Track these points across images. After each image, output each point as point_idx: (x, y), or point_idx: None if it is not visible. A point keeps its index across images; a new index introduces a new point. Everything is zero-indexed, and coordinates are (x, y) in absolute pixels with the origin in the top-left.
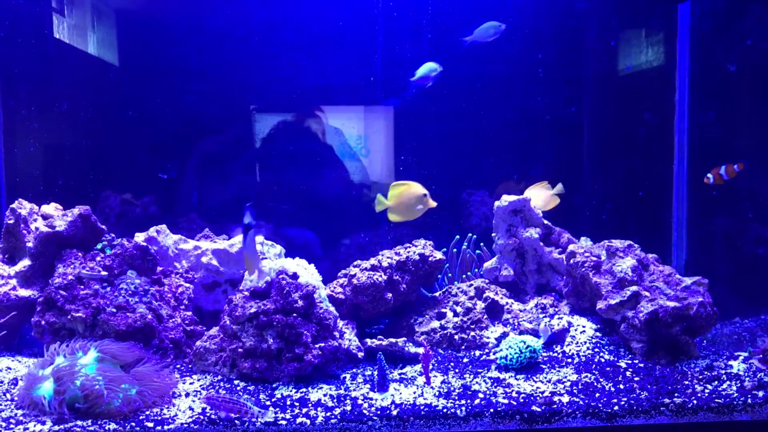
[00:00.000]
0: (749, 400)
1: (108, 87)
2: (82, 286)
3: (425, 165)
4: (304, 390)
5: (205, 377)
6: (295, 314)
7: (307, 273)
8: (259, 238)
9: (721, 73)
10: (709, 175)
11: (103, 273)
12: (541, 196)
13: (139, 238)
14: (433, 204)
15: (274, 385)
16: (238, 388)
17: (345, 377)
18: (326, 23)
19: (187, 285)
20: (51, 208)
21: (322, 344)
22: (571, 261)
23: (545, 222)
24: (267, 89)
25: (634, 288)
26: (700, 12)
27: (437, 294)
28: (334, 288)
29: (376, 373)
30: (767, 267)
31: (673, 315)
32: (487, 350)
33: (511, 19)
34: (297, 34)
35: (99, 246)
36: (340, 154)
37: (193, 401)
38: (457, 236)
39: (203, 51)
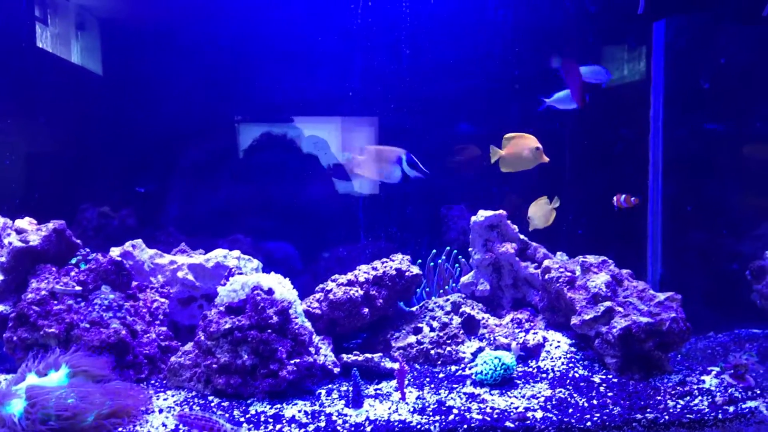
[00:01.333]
0: (720, 416)
1: (87, 98)
2: (56, 302)
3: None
4: (278, 406)
5: (180, 393)
6: (269, 330)
7: (283, 288)
8: (235, 253)
9: (695, 90)
10: (614, 199)
11: (77, 288)
12: (540, 212)
13: (115, 252)
14: (545, 159)
15: (248, 401)
16: (213, 404)
17: (320, 393)
18: (310, 36)
19: (163, 300)
20: (25, 223)
21: (297, 360)
22: (546, 276)
23: (521, 237)
24: (247, 101)
25: (608, 303)
26: (675, 30)
27: (414, 309)
28: (311, 303)
29: (351, 388)
30: (741, 282)
31: (646, 330)
32: (462, 365)
33: (490, 36)
34: (281, 45)
35: (74, 261)
36: (324, 165)
37: (167, 417)
38: (434, 250)
39: (184, 63)
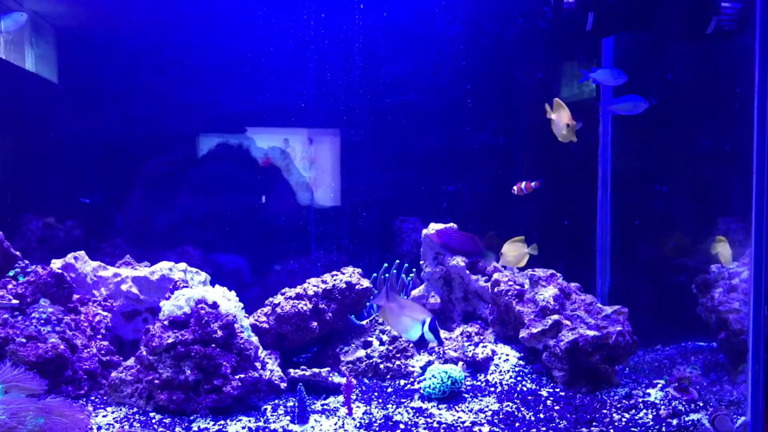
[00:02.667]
0: (664, 428)
1: (34, 106)
2: None
3: (358, 192)
4: (222, 422)
5: (121, 409)
6: (213, 345)
7: (228, 302)
8: (182, 266)
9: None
10: (515, 188)
11: (14, 301)
12: (514, 253)
13: (56, 264)
14: (574, 139)
15: (191, 418)
16: (154, 420)
17: (266, 409)
18: (265, 47)
19: (105, 314)
20: None
21: (243, 375)
22: (496, 289)
23: None
24: (199, 112)
25: (556, 317)
26: (623, 47)
27: (365, 322)
28: (258, 317)
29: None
30: (688, 295)
31: (593, 344)
32: (412, 379)
33: (442, 50)
34: (236, 56)
35: (11, 273)
36: (286, 177)
37: None
38: (385, 264)
39: (135, 72)
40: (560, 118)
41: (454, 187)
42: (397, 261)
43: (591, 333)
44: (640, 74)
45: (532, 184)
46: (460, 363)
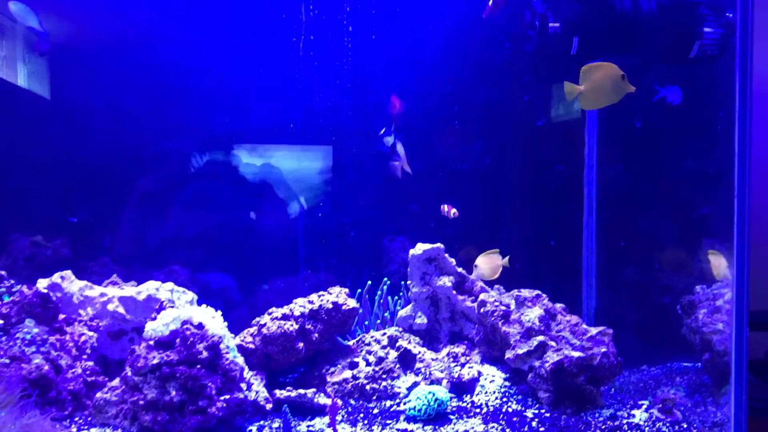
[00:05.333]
0: None
1: (23, 123)
2: None
3: (346, 212)
4: None
5: (105, 430)
6: (199, 366)
7: (214, 322)
8: (169, 285)
9: (627, 129)
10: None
11: None
12: (489, 265)
13: (42, 284)
14: (631, 88)
15: None
16: None
17: (251, 430)
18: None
19: (91, 334)
20: None
21: (228, 396)
22: (482, 310)
23: (459, 270)
24: (187, 130)
25: (541, 338)
26: None
27: (351, 343)
28: (244, 337)
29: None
30: (674, 316)
31: (578, 365)
32: (398, 400)
33: (429, 73)
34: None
35: None
36: (278, 193)
37: None
38: (369, 281)
39: (123, 91)
40: (604, 76)
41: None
42: (385, 279)
43: (576, 354)
44: (625, 97)
45: (453, 210)
46: (444, 382)
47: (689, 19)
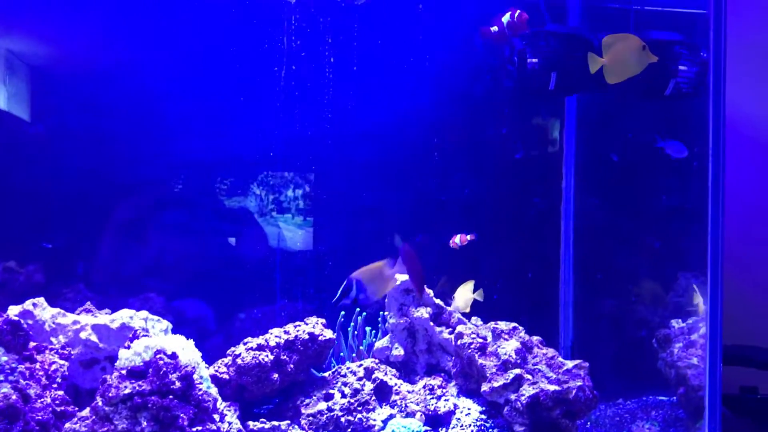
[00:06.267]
0: None
1: (4, 147)
2: None
3: (325, 240)
4: None
5: None
6: (171, 396)
7: (188, 352)
8: (143, 314)
9: (604, 163)
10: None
11: None
12: (462, 297)
13: (13, 311)
14: (654, 58)
15: None
16: None
17: None
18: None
19: (62, 362)
20: None
21: (200, 428)
22: (459, 342)
23: (437, 302)
24: (165, 156)
25: (517, 371)
26: (585, 105)
27: (326, 374)
28: (219, 368)
29: None
30: (649, 349)
31: (554, 398)
32: None
33: (408, 105)
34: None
35: None
36: (256, 221)
37: None
38: (343, 312)
39: (106, 116)
40: (626, 48)
41: (420, 237)
42: (358, 310)
43: (552, 387)
44: (602, 132)
45: (468, 237)
46: (419, 415)
47: (665, 57)
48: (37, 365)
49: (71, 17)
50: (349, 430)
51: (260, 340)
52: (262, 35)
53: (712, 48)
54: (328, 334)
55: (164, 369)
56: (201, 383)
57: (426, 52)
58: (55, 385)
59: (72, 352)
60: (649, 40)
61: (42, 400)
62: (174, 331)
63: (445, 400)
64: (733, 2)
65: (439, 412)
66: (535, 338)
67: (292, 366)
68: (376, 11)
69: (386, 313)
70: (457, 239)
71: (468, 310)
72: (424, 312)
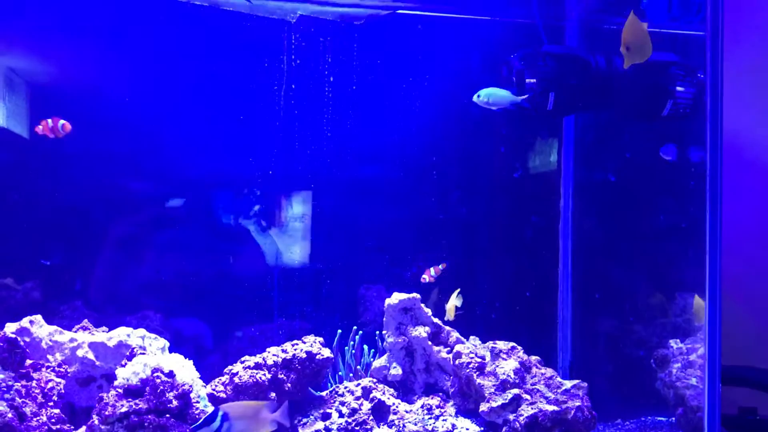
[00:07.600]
0: None
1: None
2: None
3: (323, 259)
4: None
5: None
6: (168, 414)
7: (185, 370)
8: (140, 332)
9: (602, 182)
10: (424, 276)
11: None
12: (450, 305)
13: (10, 328)
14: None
15: None
16: None
17: None
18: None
19: (59, 380)
20: None
21: None
22: (457, 362)
23: (435, 320)
24: (164, 173)
25: (516, 391)
26: (583, 125)
27: (324, 393)
28: (216, 386)
29: None
30: (648, 369)
31: (552, 419)
32: None
33: (407, 124)
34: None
35: None
36: (253, 239)
37: None
38: (339, 331)
39: (104, 134)
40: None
41: (418, 257)
42: (354, 328)
43: (550, 408)
44: (600, 152)
45: (440, 267)
46: None
47: (662, 78)
48: (34, 383)
49: (71, 35)
50: None
51: (258, 358)
52: (262, 54)
53: (709, 69)
54: (326, 353)
55: (161, 387)
56: (198, 402)
57: (425, 71)
58: (51, 404)
59: (69, 370)
60: (646, 62)
61: (38, 418)
62: (171, 349)
63: (443, 419)
64: (729, 24)
65: None
66: (534, 358)
67: (289, 385)
68: (376, 31)
69: (384, 332)
70: (432, 271)
71: (452, 317)
72: (422, 331)
